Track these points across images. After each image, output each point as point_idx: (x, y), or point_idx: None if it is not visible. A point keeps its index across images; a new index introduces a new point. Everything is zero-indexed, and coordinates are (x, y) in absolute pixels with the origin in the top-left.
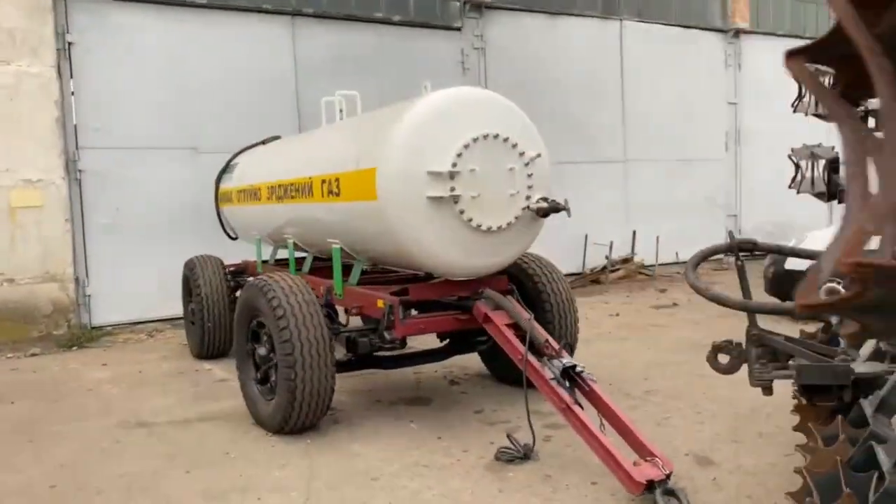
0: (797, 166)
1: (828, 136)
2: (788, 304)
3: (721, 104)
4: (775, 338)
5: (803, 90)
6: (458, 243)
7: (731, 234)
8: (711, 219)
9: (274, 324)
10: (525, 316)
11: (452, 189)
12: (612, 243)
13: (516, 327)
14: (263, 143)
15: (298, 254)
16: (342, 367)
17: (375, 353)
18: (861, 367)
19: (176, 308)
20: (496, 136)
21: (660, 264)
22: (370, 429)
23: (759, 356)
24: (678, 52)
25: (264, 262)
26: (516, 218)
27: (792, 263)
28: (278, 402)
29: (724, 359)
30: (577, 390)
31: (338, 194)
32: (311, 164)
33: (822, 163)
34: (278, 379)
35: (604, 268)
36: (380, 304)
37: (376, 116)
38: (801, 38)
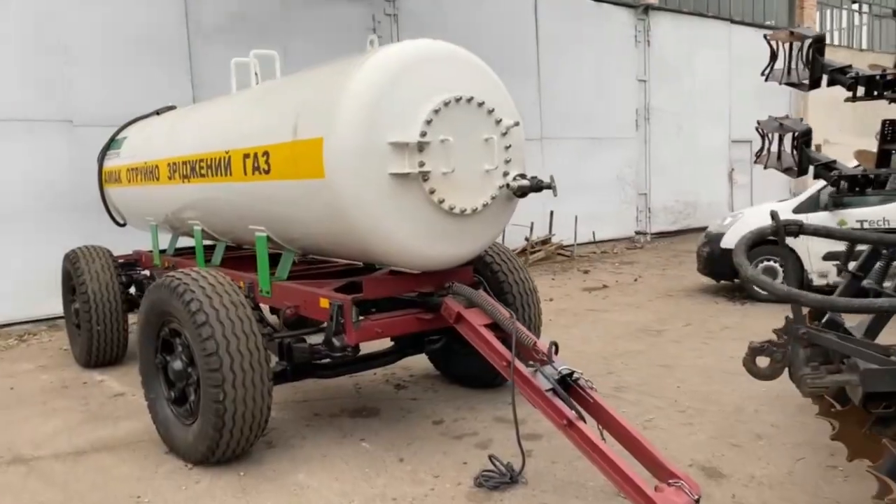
0: (764, 139)
1: (732, 112)
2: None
3: (631, 81)
4: (827, 336)
5: (775, 58)
6: (426, 229)
7: (775, 214)
8: (623, 198)
9: (194, 332)
10: (505, 314)
11: (421, 164)
12: (532, 224)
13: (495, 328)
14: (157, 113)
15: (206, 242)
16: (274, 379)
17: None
18: None
19: (53, 307)
20: (470, 101)
21: (578, 244)
22: (315, 452)
23: (809, 358)
24: (591, 28)
25: (162, 252)
26: (493, 198)
27: (728, 243)
28: (202, 427)
29: (763, 362)
30: (574, 401)
31: (267, 171)
32: (228, 136)
33: (791, 136)
34: (201, 399)
35: (523, 249)
36: (324, 303)
37: (318, 76)
38: (705, 16)
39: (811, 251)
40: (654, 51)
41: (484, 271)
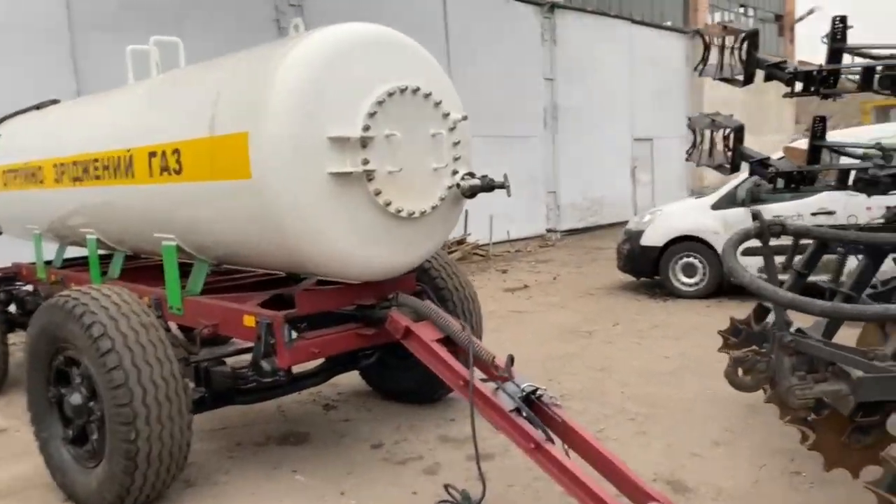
0: (695, 136)
1: (634, 111)
2: None
3: (539, 80)
4: (815, 343)
5: (708, 53)
6: (371, 234)
7: (757, 214)
8: (534, 196)
9: (97, 362)
10: (458, 327)
11: (365, 162)
12: None
13: (447, 342)
14: (38, 107)
15: (100, 252)
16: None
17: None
18: None
19: None
20: (416, 92)
21: (493, 243)
22: (242, 489)
23: (795, 368)
24: (499, 25)
25: (47, 264)
26: (441, 199)
27: (648, 240)
28: (109, 470)
29: (745, 373)
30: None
31: (178, 172)
32: (128, 133)
33: (723, 132)
34: (108, 438)
35: None
36: (249, 321)
37: (237, 63)
38: (608, 15)
39: None
40: (561, 49)
41: (421, 277)
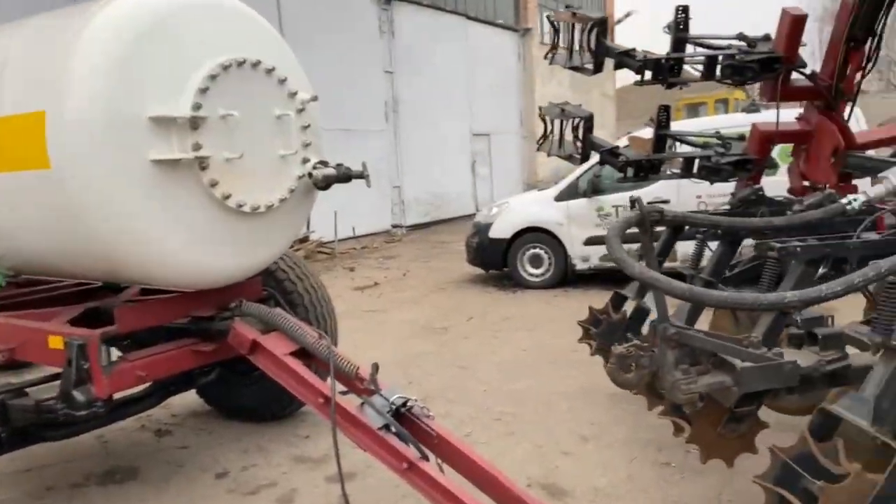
0: (546, 126)
1: (472, 106)
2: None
3: (379, 72)
4: (697, 334)
5: (557, 41)
6: (207, 234)
7: (636, 201)
8: (379, 191)
9: None
10: (315, 336)
11: (197, 147)
12: None
13: (302, 354)
14: None
15: None
16: None
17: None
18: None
19: None
20: (256, 66)
21: (339, 240)
22: None
23: (679, 361)
24: (336, 17)
25: None
26: (291, 191)
27: (496, 233)
28: None
29: (629, 369)
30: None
31: None
32: None
33: (573, 122)
34: None
35: None
36: (55, 343)
37: (28, 27)
38: (443, 10)
39: (574, 237)
40: (399, 42)
41: (267, 281)
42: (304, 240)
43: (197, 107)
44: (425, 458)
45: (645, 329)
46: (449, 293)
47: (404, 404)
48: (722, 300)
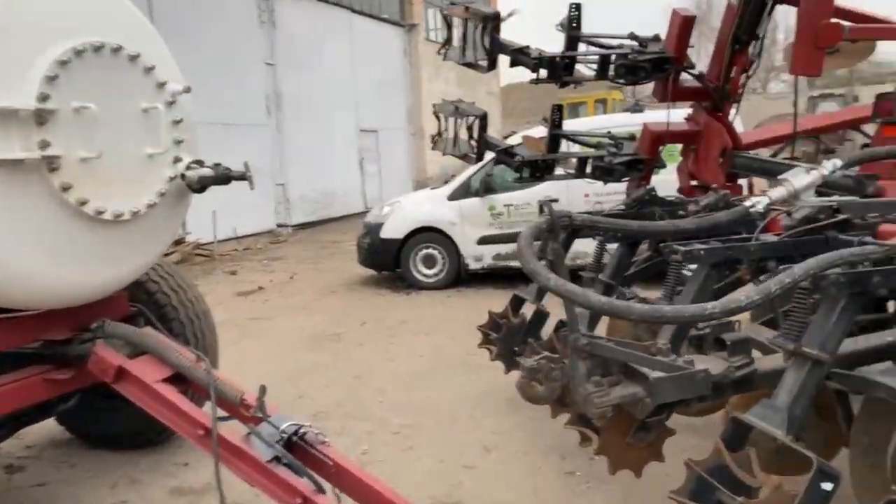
0: (440, 124)
1: (359, 102)
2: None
3: (259, 65)
4: (609, 344)
5: (450, 36)
6: (59, 245)
7: (546, 203)
8: (261, 189)
9: None
10: (191, 358)
11: (44, 145)
12: None
13: (178, 380)
14: None
15: None
16: None
17: None
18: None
19: None
20: (117, 51)
21: (218, 241)
22: None
23: (591, 372)
24: (212, 2)
25: None
26: (161, 195)
27: (388, 233)
28: None
29: (540, 382)
30: (302, 463)
31: None
32: None
33: (467, 121)
34: None
35: None
36: None
37: None
38: (327, 1)
39: (466, 236)
40: (281, 33)
41: (136, 295)
42: (180, 242)
43: (43, 98)
44: (321, 490)
45: (545, 333)
46: (340, 296)
47: (296, 432)
48: (643, 314)
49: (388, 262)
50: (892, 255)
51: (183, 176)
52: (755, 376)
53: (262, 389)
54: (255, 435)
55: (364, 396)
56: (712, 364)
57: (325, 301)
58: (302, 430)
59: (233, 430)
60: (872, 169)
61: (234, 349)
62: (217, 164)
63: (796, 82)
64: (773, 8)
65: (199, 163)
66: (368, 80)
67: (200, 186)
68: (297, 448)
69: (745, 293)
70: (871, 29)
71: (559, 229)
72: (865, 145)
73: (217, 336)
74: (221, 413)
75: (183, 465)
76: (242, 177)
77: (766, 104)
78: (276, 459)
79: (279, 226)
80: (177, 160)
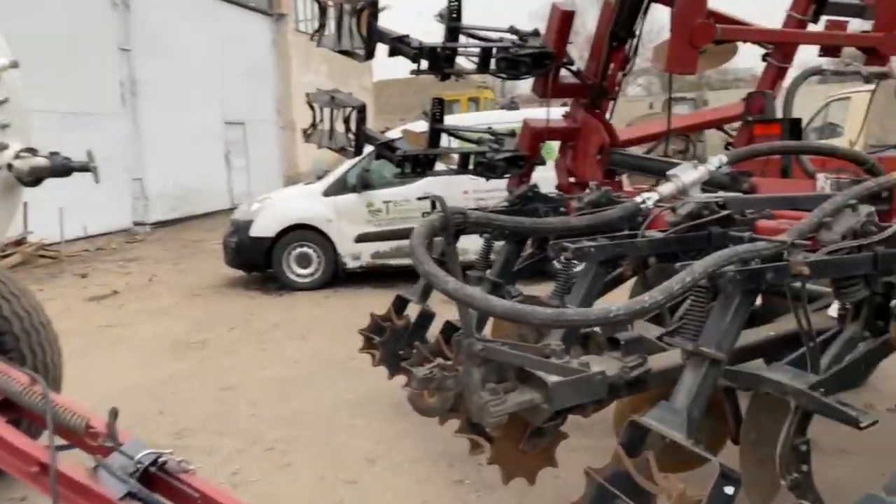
0: (314, 115)
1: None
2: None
3: (112, 49)
4: (501, 348)
5: (325, 22)
6: None
7: (439, 200)
8: (115, 184)
9: None
10: (22, 380)
11: None
12: None
13: (7, 407)
14: None
15: None
16: None
17: None
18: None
19: None
20: None
21: (66, 241)
22: None
23: (486, 379)
24: None
25: None
26: None
27: (258, 231)
28: None
29: (433, 393)
30: (163, 497)
31: None
32: None
33: (344, 112)
34: None
35: None
36: None
37: None
38: None
39: (343, 234)
40: (137, 17)
41: None
42: (21, 242)
43: None
44: None
45: (432, 335)
46: (206, 300)
47: (155, 461)
48: (548, 318)
49: (258, 261)
50: (781, 250)
51: (10, 166)
52: (649, 376)
53: (113, 413)
54: (104, 468)
55: (234, 409)
56: (606, 365)
57: (188, 305)
58: (161, 459)
59: (77, 464)
60: (745, 166)
61: (82, 363)
62: (54, 153)
63: (670, 81)
64: (648, 6)
65: (32, 151)
66: (235, 70)
67: (34, 178)
68: (157, 480)
69: (649, 294)
70: (742, 30)
71: (453, 228)
72: (728, 144)
73: (60, 350)
74: (62, 443)
75: (20, 499)
76: (86, 168)
77: (624, 105)
78: (130, 496)
79: (136, 224)
80: (2, 148)
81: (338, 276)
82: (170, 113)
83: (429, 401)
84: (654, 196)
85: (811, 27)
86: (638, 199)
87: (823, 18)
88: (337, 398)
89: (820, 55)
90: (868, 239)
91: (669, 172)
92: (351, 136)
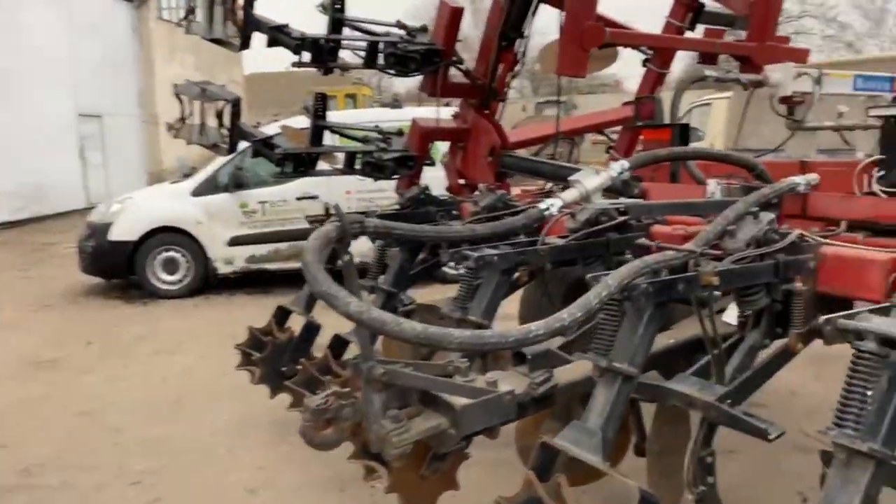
0: (183, 108)
1: (79, 83)
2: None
3: None
4: (403, 371)
5: (194, 7)
6: None
7: (333, 209)
8: None
9: None
10: None
11: None
12: None
13: None
14: None
15: None
16: None
17: None
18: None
19: None
20: None
21: None
22: None
23: (388, 405)
24: None
25: None
26: None
27: (119, 234)
28: None
29: (327, 425)
30: None
31: None
32: None
33: (217, 106)
34: None
35: None
36: None
37: None
38: None
39: (215, 236)
40: None
41: None
42: None
43: None
44: None
45: (318, 351)
46: (59, 311)
47: None
48: (466, 342)
49: (119, 267)
50: (689, 259)
51: None
52: (556, 391)
53: None
54: None
55: (93, 438)
56: (513, 381)
57: (37, 317)
58: None
59: None
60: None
61: None
62: None
63: (559, 83)
64: (537, 7)
65: None
66: (90, 58)
67: None
68: None
69: (567, 311)
70: (629, 35)
71: (350, 238)
72: (609, 148)
73: None
74: None
75: None
76: None
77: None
78: None
79: None
80: None
81: (209, 283)
82: (12, 104)
83: (323, 434)
84: (557, 202)
85: (691, 35)
86: (542, 205)
87: (707, 27)
88: (212, 421)
89: (699, 62)
90: (770, 247)
91: (571, 178)
92: (224, 131)
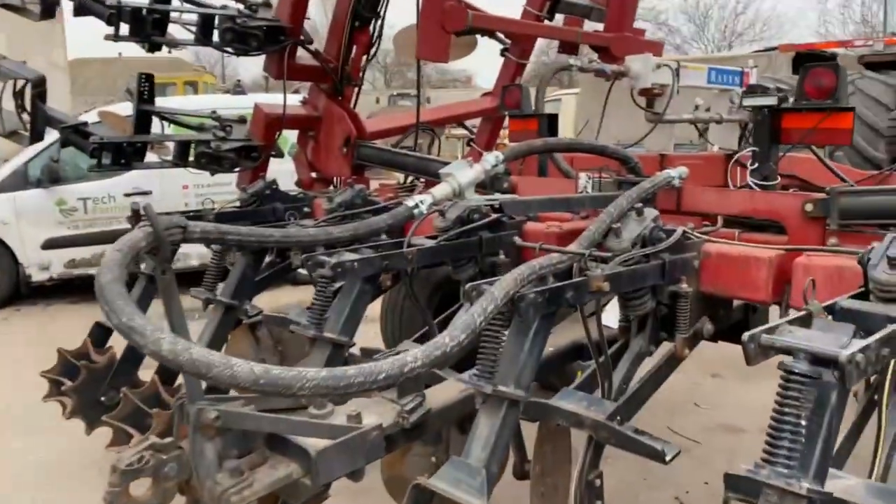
0: None
1: None
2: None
3: None
4: (245, 412)
5: None
6: None
7: (143, 209)
8: None
9: None
10: None
11: None
12: None
13: None
14: None
15: None
16: None
17: None
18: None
19: None
20: None
21: None
22: None
23: (224, 455)
24: None
25: None
26: None
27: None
28: None
29: (143, 486)
30: None
31: None
32: None
33: (14, 86)
34: None
35: None
36: None
37: None
38: None
39: (26, 239)
40: None
41: None
42: None
43: None
44: None
45: (144, 375)
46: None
47: None
48: (322, 385)
49: None
50: (574, 263)
51: None
52: (429, 417)
53: None
54: None
55: None
56: (379, 410)
57: None
58: None
59: None
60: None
61: None
62: None
63: (419, 69)
64: None
65: None
66: None
67: None
68: None
69: (449, 335)
70: (491, 18)
71: (168, 247)
72: (470, 140)
73: None
74: None
75: None
76: None
77: None
78: None
79: None
80: None
81: (20, 292)
82: None
83: (139, 500)
84: (427, 199)
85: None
86: (409, 202)
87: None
88: (16, 462)
89: (559, 52)
90: (657, 246)
91: (443, 171)
92: (25, 116)
